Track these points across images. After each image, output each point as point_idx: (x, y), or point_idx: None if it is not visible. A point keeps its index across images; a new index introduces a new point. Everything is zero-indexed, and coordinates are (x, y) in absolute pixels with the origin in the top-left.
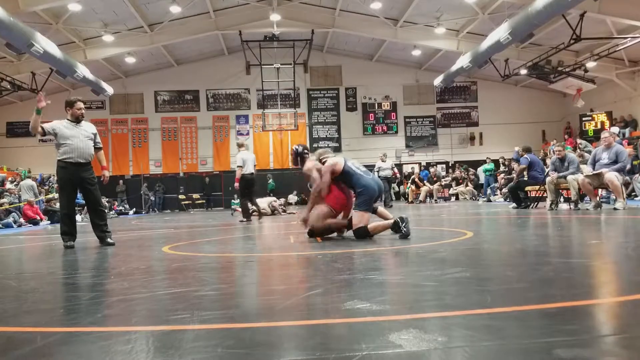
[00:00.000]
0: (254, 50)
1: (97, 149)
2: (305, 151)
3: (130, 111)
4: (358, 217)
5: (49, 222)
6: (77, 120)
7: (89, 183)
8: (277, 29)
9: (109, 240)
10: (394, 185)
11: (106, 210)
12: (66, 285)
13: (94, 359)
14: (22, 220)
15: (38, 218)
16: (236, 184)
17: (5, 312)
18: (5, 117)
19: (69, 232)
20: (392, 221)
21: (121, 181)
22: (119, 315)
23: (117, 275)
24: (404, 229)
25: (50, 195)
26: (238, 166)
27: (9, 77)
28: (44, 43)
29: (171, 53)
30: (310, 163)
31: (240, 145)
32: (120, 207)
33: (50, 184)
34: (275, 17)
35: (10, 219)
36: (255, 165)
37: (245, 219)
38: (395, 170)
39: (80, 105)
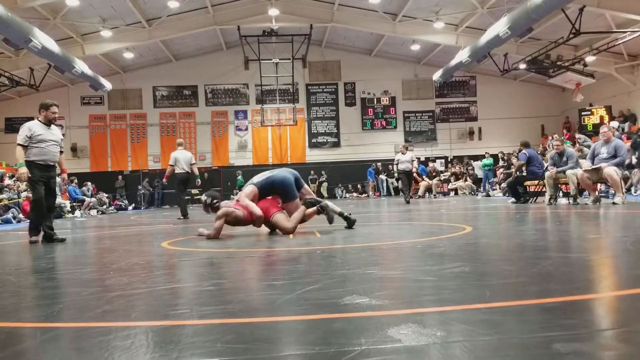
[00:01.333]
0: (253, 45)
1: (60, 152)
2: (215, 201)
3: (128, 107)
4: (294, 206)
5: None
6: (48, 123)
7: (53, 183)
8: (275, 23)
9: (56, 237)
10: (392, 180)
11: (105, 206)
12: (65, 280)
13: (93, 354)
14: (21, 216)
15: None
16: (164, 180)
17: (5, 308)
18: (4, 113)
19: (36, 226)
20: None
21: (120, 177)
22: (118, 311)
23: (117, 270)
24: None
25: None
26: (170, 165)
27: (7, 73)
28: (42, 38)
29: (169, 48)
30: (222, 211)
31: (178, 144)
32: (120, 203)
33: None
34: (273, 11)
35: (9, 215)
36: (193, 164)
37: (182, 217)
38: (415, 164)
39: (55, 109)
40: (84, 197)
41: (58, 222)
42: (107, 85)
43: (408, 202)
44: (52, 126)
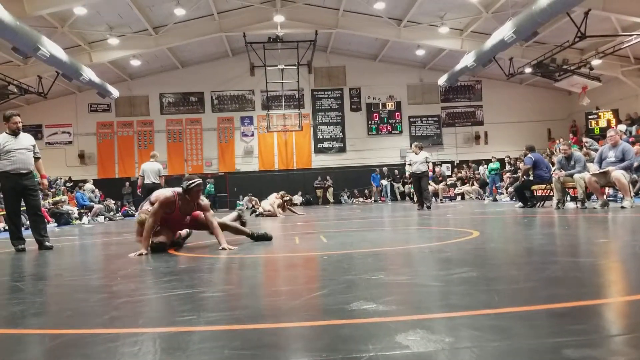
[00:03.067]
0: (258, 51)
1: (36, 159)
2: None
3: (135, 113)
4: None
5: (56, 224)
6: (14, 133)
7: (31, 190)
8: (280, 30)
9: (46, 244)
10: (399, 185)
11: (112, 212)
12: (73, 287)
13: None
14: (28, 222)
15: (45, 220)
16: (138, 191)
17: (13, 315)
18: None
19: (15, 236)
20: None
21: (127, 183)
22: (125, 317)
23: (124, 276)
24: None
25: (57, 198)
26: (139, 175)
27: (15, 81)
28: (50, 47)
29: (176, 55)
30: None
31: (151, 157)
32: (127, 209)
33: (57, 186)
34: (279, 18)
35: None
36: (160, 176)
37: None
38: (430, 165)
39: (16, 119)
40: (92, 203)
41: (66, 229)
42: (115, 92)
43: (422, 208)
44: (21, 134)
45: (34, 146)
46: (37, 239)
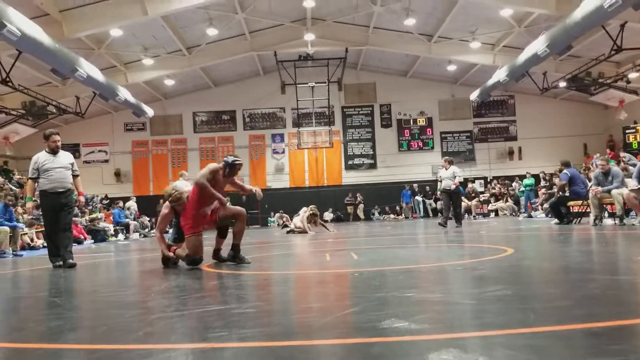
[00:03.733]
0: (289, 69)
1: (75, 176)
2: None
3: (169, 132)
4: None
5: (92, 241)
6: (53, 151)
7: (67, 207)
8: (311, 48)
9: (70, 261)
10: (430, 201)
11: (147, 229)
12: (108, 302)
13: None
14: None
15: (82, 237)
16: None
17: (51, 330)
18: None
19: (54, 253)
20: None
21: (161, 200)
22: (159, 333)
23: (157, 292)
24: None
25: (93, 215)
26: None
27: (54, 102)
28: (87, 68)
29: (208, 75)
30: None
31: (180, 175)
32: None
33: (94, 204)
34: (309, 36)
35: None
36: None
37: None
38: (457, 180)
39: (55, 138)
40: (127, 220)
41: (102, 245)
42: (149, 111)
43: (445, 225)
44: (60, 153)
45: (72, 164)
46: (63, 254)
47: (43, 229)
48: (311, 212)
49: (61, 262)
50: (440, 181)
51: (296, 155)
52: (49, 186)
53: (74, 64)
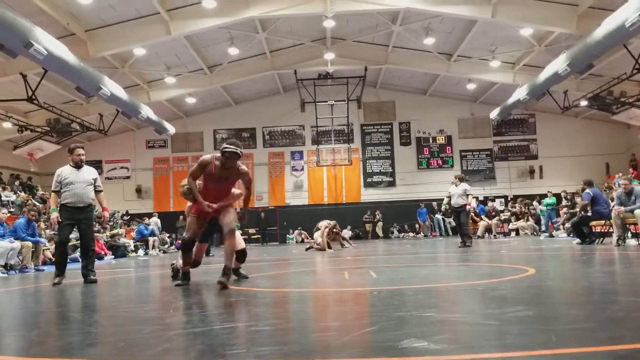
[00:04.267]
0: (309, 88)
1: (97, 192)
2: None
3: (190, 149)
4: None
5: (113, 256)
6: (77, 165)
7: (85, 223)
8: (331, 67)
9: (91, 277)
10: (450, 220)
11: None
12: (127, 318)
13: None
14: None
15: (102, 253)
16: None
17: (69, 345)
18: None
19: (60, 265)
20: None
21: (181, 217)
22: (177, 350)
23: (176, 309)
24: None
25: (114, 231)
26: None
27: (78, 119)
28: (111, 86)
29: (229, 93)
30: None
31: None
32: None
33: (115, 220)
34: (329, 55)
35: (77, 254)
36: None
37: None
38: (470, 199)
39: (80, 151)
40: (147, 236)
41: (122, 261)
42: (171, 129)
43: (463, 245)
44: (84, 167)
45: (95, 179)
46: (83, 272)
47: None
48: (332, 227)
49: (59, 281)
50: (450, 197)
51: (315, 173)
52: (69, 200)
53: (98, 82)
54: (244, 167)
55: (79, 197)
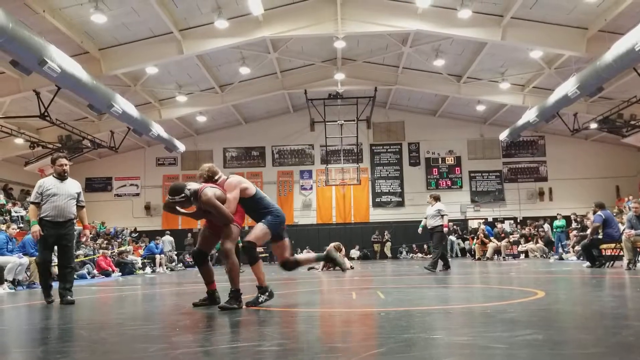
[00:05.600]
0: (318, 107)
1: (80, 207)
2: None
3: (200, 167)
4: (259, 230)
5: (120, 273)
6: (60, 177)
7: (66, 240)
8: (341, 87)
9: (68, 298)
10: (459, 241)
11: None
12: (134, 336)
13: None
14: (95, 271)
15: (110, 270)
16: None
17: None
18: (85, 173)
19: (45, 286)
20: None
21: (189, 234)
22: None
23: (182, 327)
24: (263, 298)
25: (122, 248)
26: None
27: (89, 136)
28: (123, 104)
29: (240, 111)
30: (210, 191)
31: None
32: (189, 260)
33: (123, 236)
34: (339, 76)
35: (84, 270)
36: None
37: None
38: (445, 220)
39: (63, 162)
40: (156, 253)
41: (129, 278)
42: (181, 147)
43: (447, 268)
44: (68, 180)
45: (79, 194)
46: (60, 291)
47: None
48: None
49: (51, 299)
50: (426, 218)
51: (324, 192)
52: (49, 213)
53: (110, 100)
54: (203, 194)
55: (60, 211)
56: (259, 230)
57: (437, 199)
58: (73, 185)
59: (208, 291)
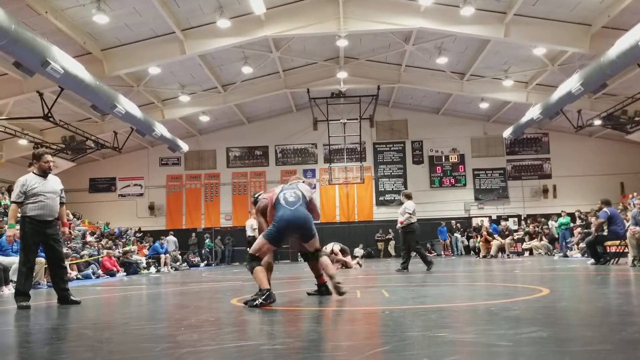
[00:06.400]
0: (321, 106)
1: (61, 204)
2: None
3: (203, 167)
4: (258, 243)
5: (125, 273)
6: (44, 174)
7: (54, 240)
8: (343, 85)
9: (72, 298)
10: (462, 238)
11: (178, 262)
12: (139, 335)
13: None
14: (100, 271)
15: (115, 270)
16: None
17: None
18: (88, 174)
19: (23, 291)
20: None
21: (194, 234)
22: None
23: (187, 326)
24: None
25: (127, 248)
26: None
27: (93, 136)
28: (126, 104)
29: (242, 111)
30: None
31: (249, 212)
32: (193, 260)
33: (127, 236)
34: (342, 74)
35: (89, 271)
36: (254, 229)
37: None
38: (403, 217)
39: (48, 158)
40: (161, 253)
41: (134, 278)
42: (184, 147)
43: (399, 270)
44: (49, 177)
45: (61, 190)
46: (61, 293)
47: (76, 260)
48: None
49: (26, 303)
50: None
51: (327, 191)
52: (36, 212)
53: (113, 100)
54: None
55: (49, 210)
56: (257, 242)
57: (408, 197)
58: (56, 182)
59: (317, 284)
